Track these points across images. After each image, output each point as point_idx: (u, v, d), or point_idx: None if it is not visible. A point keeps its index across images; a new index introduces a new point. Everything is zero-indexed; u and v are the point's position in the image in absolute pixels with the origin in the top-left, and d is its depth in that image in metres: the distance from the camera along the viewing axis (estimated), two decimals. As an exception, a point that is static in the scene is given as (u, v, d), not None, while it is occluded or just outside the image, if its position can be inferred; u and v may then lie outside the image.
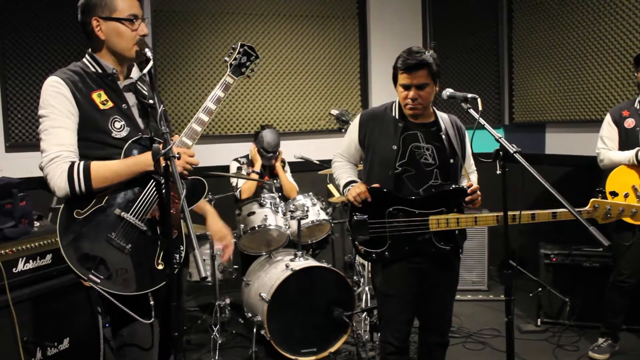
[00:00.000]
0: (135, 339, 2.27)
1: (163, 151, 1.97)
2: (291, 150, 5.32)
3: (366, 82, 6.15)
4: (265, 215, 4.37)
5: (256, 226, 4.35)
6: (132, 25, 2.26)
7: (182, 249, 2.30)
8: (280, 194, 4.77)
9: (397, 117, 2.96)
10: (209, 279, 4.47)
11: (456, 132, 3.00)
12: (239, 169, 4.96)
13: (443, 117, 3.01)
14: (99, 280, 2.13)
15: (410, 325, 3.05)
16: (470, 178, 3.08)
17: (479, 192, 2.82)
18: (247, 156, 5.14)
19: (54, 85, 2.17)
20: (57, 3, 4.99)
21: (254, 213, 4.40)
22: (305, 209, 4.36)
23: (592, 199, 2.78)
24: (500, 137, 2.40)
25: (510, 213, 2.66)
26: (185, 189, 2.08)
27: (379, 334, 4.08)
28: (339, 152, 3.20)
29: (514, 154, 2.32)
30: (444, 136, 2.94)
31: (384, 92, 5.93)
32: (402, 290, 2.94)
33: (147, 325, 2.25)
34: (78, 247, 2.13)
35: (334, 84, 6.08)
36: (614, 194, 3.70)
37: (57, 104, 2.15)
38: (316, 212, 4.50)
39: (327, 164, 5.11)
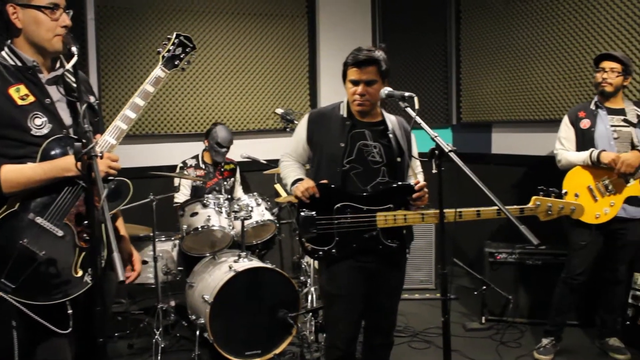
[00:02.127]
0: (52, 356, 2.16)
1: (84, 150, 1.87)
2: (238, 149, 5.25)
3: (315, 82, 6.11)
4: (209, 216, 4.28)
5: (199, 227, 4.26)
6: (52, 14, 2.13)
7: (103, 255, 2.18)
8: (229, 196, 4.70)
9: (345, 115, 2.96)
10: (154, 280, 4.38)
11: (403, 132, 3.02)
12: (182, 168, 4.88)
13: (390, 118, 3.04)
14: (9, 289, 2.00)
15: (358, 327, 3.03)
16: (418, 178, 3.08)
17: (426, 190, 2.84)
18: (196, 156, 5.06)
19: None
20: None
21: (197, 214, 4.31)
22: (250, 209, 4.30)
23: (533, 197, 2.82)
24: (436, 136, 2.39)
25: (451, 211, 2.69)
26: (107, 190, 1.98)
27: (324, 335, 4.07)
28: (287, 152, 3.17)
29: (449, 153, 2.31)
30: (391, 135, 2.96)
31: (333, 92, 5.92)
32: (349, 289, 2.91)
33: (64, 340, 2.14)
34: None
35: (282, 83, 6.03)
36: (559, 192, 3.75)
37: None
38: (260, 213, 4.44)
39: (274, 163, 5.06)
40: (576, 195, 3.80)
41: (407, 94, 2.61)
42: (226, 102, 5.81)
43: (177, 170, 4.98)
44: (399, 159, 2.95)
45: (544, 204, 2.81)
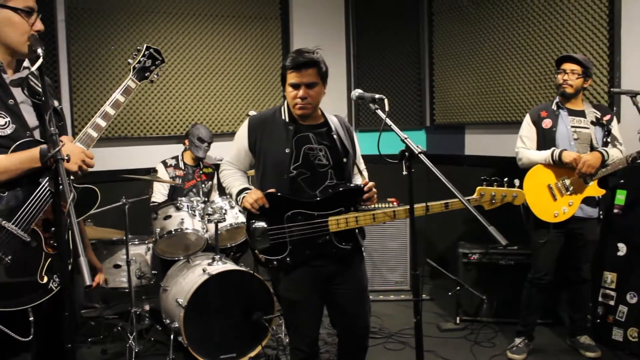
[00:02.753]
0: None
1: (51, 153, 1.85)
2: (213, 152, 5.22)
3: (289, 84, 6.09)
4: (182, 219, 4.26)
5: (173, 230, 4.23)
6: (28, 18, 2.12)
7: (69, 261, 2.15)
8: (206, 199, 4.68)
9: (287, 120, 2.92)
10: (127, 285, 4.34)
11: (345, 131, 3.01)
12: (155, 171, 4.85)
13: (332, 118, 3.02)
14: None
15: (318, 328, 3.01)
16: (363, 175, 3.07)
17: (374, 190, 2.84)
18: (176, 157, 5.05)
19: None
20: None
21: (170, 217, 4.28)
22: (223, 211, 4.27)
23: (478, 188, 2.86)
24: (405, 138, 2.41)
25: (404, 208, 2.71)
26: (73, 194, 1.96)
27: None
28: (227, 160, 3.12)
29: (419, 155, 2.32)
30: (335, 136, 2.94)
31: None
32: (306, 295, 2.89)
33: (26, 351, 2.12)
34: None
35: (256, 86, 6.01)
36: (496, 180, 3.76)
37: None
38: (234, 215, 4.42)
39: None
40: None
41: (377, 96, 2.61)
42: (200, 105, 5.78)
43: (156, 168, 4.97)
44: (344, 160, 2.93)
45: (487, 194, 2.84)
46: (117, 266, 4.49)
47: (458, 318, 4.72)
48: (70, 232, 1.81)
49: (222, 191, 5.29)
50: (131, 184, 4.76)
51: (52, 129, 1.92)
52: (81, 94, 5.29)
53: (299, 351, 2.95)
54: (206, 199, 4.71)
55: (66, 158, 1.87)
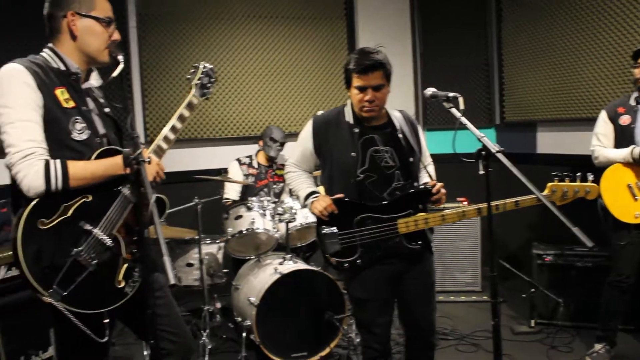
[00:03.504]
0: None
1: (134, 155, 1.90)
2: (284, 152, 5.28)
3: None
4: (253, 219, 4.31)
5: (244, 230, 4.29)
6: (107, 27, 2.20)
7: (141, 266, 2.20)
8: (276, 199, 4.74)
9: (351, 122, 2.89)
10: (199, 283, 4.44)
11: (410, 128, 2.96)
12: (225, 171, 4.93)
13: (396, 116, 2.97)
14: (59, 297, 1.99)
15: (390, 327, 3.00)
16: (429, 171, 3.02)
17: (443, 190, 2.81)
18: (250, 156, 5.14)
19: (18, 73, 2.02)
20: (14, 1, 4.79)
21: (241, 217, 4.34)
22: (294, 211, 4.30)
23: (549, 184, 2.80)
24: (482, 137, 2.35)
25: (475, 207, 2.75)
26: (156, 195, 2.01)
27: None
28: (292, 162, 3.11)
29: (496, 154, 2.27)
30: (400, 136, 2.91)
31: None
32: (377, 293, 2.90)
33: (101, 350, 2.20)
34: (39, 259, 1.97)
35: (322, 86, 6.03)
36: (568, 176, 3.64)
37: (22, 94, 2.00)
38: (304, 215, 4.45)
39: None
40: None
41: (451, 94, 2.57)
42: (268, 106, 5.85)
43: (236, 169, 5.09)
44: (411, 159, 2.90)
45: (559, 190, 2.80)
46: (189, 265, 4.60)
47: (532, 321, 4.57)
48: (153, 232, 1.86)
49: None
50: (203, 185, 4.85)
51: (133, 132, 1.97)
52: (152, 98, 5.44)
53: (371, 349, 2.95)
54: (277, 200, 4.77)
55: (148, 160, 1.92)
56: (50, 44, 2.21)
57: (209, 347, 4.16)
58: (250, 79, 5.77)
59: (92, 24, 2.18)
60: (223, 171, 5.12)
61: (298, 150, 3.07)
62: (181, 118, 2.42)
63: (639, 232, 3.71)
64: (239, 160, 5.14)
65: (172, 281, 1.65)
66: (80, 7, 2.16)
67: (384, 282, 2.88)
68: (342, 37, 6.08)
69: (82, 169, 2.07)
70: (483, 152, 2.31)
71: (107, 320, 2.15)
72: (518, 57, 5.80)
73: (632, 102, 3.81)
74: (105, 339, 2.14)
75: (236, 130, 5.75)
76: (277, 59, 5.84)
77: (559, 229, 4.63)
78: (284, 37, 5.86)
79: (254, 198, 4.48)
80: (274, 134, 5.07)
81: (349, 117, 2.90)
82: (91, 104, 2.26)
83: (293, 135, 5.86)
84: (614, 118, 3.84)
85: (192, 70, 2.58)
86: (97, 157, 2.13)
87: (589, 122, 4.09)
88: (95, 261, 2.08)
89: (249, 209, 4.36)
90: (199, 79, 2.56)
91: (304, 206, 3.00)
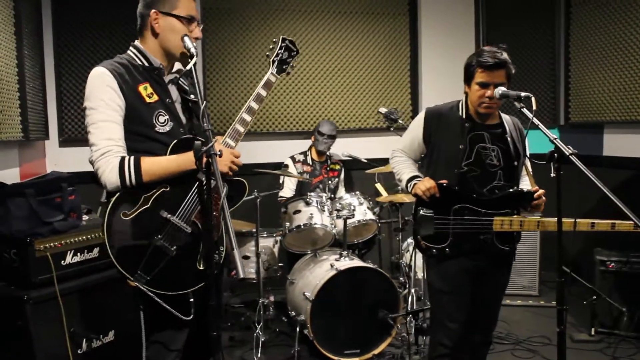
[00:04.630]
0: (170, 343, 2.32)
1: (205, 148, 1.94)
2: (340, 148, 5.28)
3: (416, 81, 6.02)
4: (311, 214, 4.33)
5: (302, 224, 4.31)
6: (188, 25, 2.29)
7: (222, 249, 2.32)
8: (332, 195, 4.74)
9: (464, 116, 2.95)
10: (253, 276, 4.48)
11: (518, 134, 3.00)
12: (285, 166, 4.95)
13: (506, 119, 3.03)
14: (144, 281, 2.16)
15: (464, 327, 2.99)
16: (532, 181, 3.01)
17: (544, 198, 2.81)
18: (304, 153, 5.15)
19: (102, 76, 2.18)
20: (110, 3, 5.04)
21: (299, 211, 4.37)
22: (352, 208, 4.30)
23: None
24: (555, 138, 2.30)
25: (569, 220, 2.66)
26: (227, 188, 2.05)
27: (424, 338, 4.03)
28: (400, 148, 3.21)
29: (570, 156, 2.20)
30: (509, 138, 2.95)
31: (434, 91, 5.82)
32: (458, 287, 2.95)
33: (183, 330, 2.31)
34: (125, 248, 2.15)
35: (383, 82, 5.98)
36: None
37: (105, 96, 2.16)
38: (363, 212, 4.44)
39: (375, 162, 5.07)
40: None
41: (523, 94, 2.55)
42: (328, 101, 5.84)
43: (286, 163, 5.11)
44: (515, 163, 2.94)
45: None
46: (245, 257, 4.65)
47: (593, 329, 4.43)
48: (223, 224, 1.90)
49: (349, 188, 5.36)
50: (260, 178, 4.90)
51: (205, 124, 2.02)
52: (215, 92, 5.52)
53: (441, 346, 2.98)
54: (332, 195, 4.76)
55: (219, 153, 1.96)
56: (136, 42, 2.35)
57: (262, 339, 4.20)
58: (312, 74, 5.78)
59: (174, 22, 2.28)
60: (283, 165, 5.15)
61: (407, 137, 3.17)
62: (258, 98, 2.45)
63: None
64: (292, 157, 5.16)
65: (242, 275, 1.70)
66: (163, 6, 2.27)
67: (465, 277, 2.94)
68: (405, 33, 6.01)
69: (155, 166, 2.18)
70: (555, 155, 2.25)
71: (192, 300, 2.27)
72: (586, 55, 5.62)
73: None
74: (191, 317, 2.26)
75: (296, 124, 5.77)
76: (339, 54, 5.83)
77: (623, 234, 4.49)
78: (347, 32, 5.83)
79: (312, 193, 4.49)
80: (323, 127, 5.07)
81: (462, 112, 2.98)
82: (174, 95, 2.37)
83: (352, 132, 5.88)
84: None
85: (272, 46, 2.60)
86: (173, 149, 2.23)
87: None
88: (175, 247, 2.21)
89: (308, 203, 4.38)
90: (277, 55, 2.58)
91: (405, 188, 3.07)
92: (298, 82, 5.75)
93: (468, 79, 2.90)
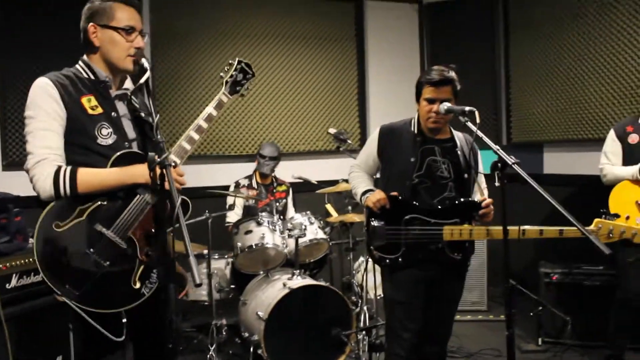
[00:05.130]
0: None
1: (159, 159, 1.95)
2: (289, 170, 5.32)
3: (364, 102, 6.17)
4: (263, 234, 4.34)
5: (253, 245, 4.31)
6: (128, 36, 2.26)
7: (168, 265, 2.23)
8: (281, 216, 4.75)
9: (416, 131, 3.07)
10: (205, 298, 4.44)
11: (470, 149, 3.11)
12: (235, 188, 4.94)
13: (458, 135, 3.15)
14: (73, 296, 2.08)
15: (417, 336, 3.05)
16: (483, 193, 3.14)
17: (492, 207, 2.92)
18: (249, 177, 5.15)
19: (43, 86, 2.16)
20: (54, 23, 4.98)
21: (251, 232, 4.37)
22: (303, 227, 4.33)
23: (596, 219, 2.84)
24: (498, 149, 2.40)
25: (515, 228, 2.79)
26: (181, 198, 2.04)
27: (377, 354, 4.05)
28: (356, 163, 3.32)
29: (513, 165, 2.31)
30: (459, 152, 3.06)
31: (382, 113, 5.97)
32: (411, 297, 3.01)
33: (118, 351, 2.23)
34: (54, 260, 2.09)
35: (332, 105, 6.10)
36: (616, 215, 3.68)
37: (45, 105, 2.13)
38: (314, 231, 4.48)
39: (325, 184, 5.12)
40: (627, 218, 3.71)
41: (467, 108, 2.69)
42: (277, 124, 5.90)
43: (231, 190, 5.06)
44: (465, 176, 3.05)
45: (605, 227, 2.83)
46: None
47: (540, 339, 4.57)
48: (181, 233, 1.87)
49: (298, 208, 5.38)
50: (209, 202, 4.85)
51: (159, 137, 2.02)
52: (165, 115, 5.50)
53: (396, 356, 3.04)
54: (282, 217, 4.77)
55: (173, 164, 1.96)
56: (83, 56, 2.33)
57: (216, 361, 4.15)
58: (261, 97, 5.83)
59: (111, 34, 2.25)
60: (235, 184, 5.13)
61: (363, 154, 3.29)
62: (208, 118, 2.42)
63: (648, 250, 3.73)
64: (237, 183, 5.12)
65: (198, 281, 1.70)
66: (101, 19, 2.25)
67: (418, 287, 3.01)
68: (352, 57, 6.16)
69: (92, 177, 2.14)
70: (499, 164, 2.35)
71: (125, 320, 2.19)
72: (525, 77, 5.88)
73: (640, 121, 3.87)
74: (122, 338, 2.18)
75: (245, 147, 5.79)
76: (288, 78, 5.92)
77: (566, 248, 4.67)
78: (295, 56, 5.94)
79: (263, 213, 4.50)
80: (264, 150, 5.07)
81: (414, 127, 3.10)
82: (123, 110, 2.34)
83: (302, 154, 5.94)
84: (622, 137, 3.89)
85: (227, 67, 2.57)
86: (114, 162, 2.19)
87: (596, 143, 4.15)
88: (108, 262, 2.14)
89: (259, 224, 4.39)
90: (231, 76, 2.55)
91: (360, 201, 3.15)
92: (247, 106, 5.79)
93: (417, 95, 3.04)
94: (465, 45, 6.24)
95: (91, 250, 2.12)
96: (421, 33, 6.29)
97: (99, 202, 2.16)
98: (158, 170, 1.98)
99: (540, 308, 4.55)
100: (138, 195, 2.21)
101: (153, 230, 2.20)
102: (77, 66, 2.32)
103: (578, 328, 4.45)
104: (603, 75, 5.02)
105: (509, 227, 2.64)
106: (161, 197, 2.07)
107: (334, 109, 6.10)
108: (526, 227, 2.84)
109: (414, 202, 2.98)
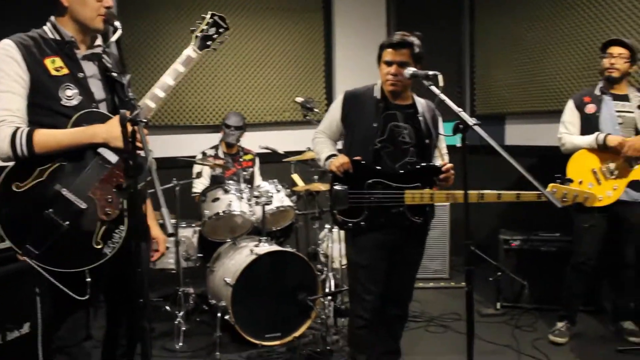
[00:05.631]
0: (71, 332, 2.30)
1: (130, 116, 1.96)
2: (256, 140, 5.34)
3: (330, 74, 6.21)
4: (230, 201, 4.37)
5: (220, 212, 4.34)
6: None
7: (122, 228, 2.27)
8: (248, 185, 4.78)
9: (378, 97, 3.11)
10: (172, 267, 4.46)
11: (431, 116, 3.17)
12: (202, 159, 4.94)
13: (420, 102, 3.19)
14: (33, 255, 2.11)
15: (378, 299, 3.14)
16: (444, 158, 3.23)
17: (452, 171, 2.99)
18: (215, 147, 5.15)
19: (5, 48, 2.16)
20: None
21: (218, 199, 4.40)
22: (270, 195, 4.38)
23: (551, 184, 2.92)
24: (460, 111, 2.48)
25: (475, 192, 2.88)
26: (152, 154, 2.05)
27: (343, 319, 4.15)
28: (320, 129, 3.32)
29: (474, 126, 2.39)
30: (420, 118, 3.11)
31: (348, 83, 5.93)
32: (373, 260, 3.08)
33: (83, 310, 2.28)
34: (14, 219, 2.12)
35: (299, 77, 6.12)
36: (569, 180, 3.81)
37: (6, 67, 2.14)
38: (280, 199, 4.53)
39: (291, 154, 5.16)
40: (580, 182, 3.86)
41: (431, 72, 2.74)
42: (244, 95, 5.91)
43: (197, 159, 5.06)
44: (427, 141, 3.11)
45: (560, 192, 2.92)
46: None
47: (498, 304, 4.74)
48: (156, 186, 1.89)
49: (265, 178, 5.41)
50: (175, 172, 4.84)
51: (130, 94, 2.04)
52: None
53: (359, 318, 3.12)
54: (250, 186, 4.81)
55: (145, 121, 1.98)
56: (51, 17, 2.31)
57: (184, 328, 4.19)
58: (228, 68, 5.82)
59: None
60: (201, 154, 5.13)
61: (327, 120, 3.30)
62: (175, 74, 2.38)
63: (602, 215, 3.90)
64: (204, 153, 5.10)
65: (170, 230, 1.73)
66: None
67: (380, 251, 3.08)
68: (319, 29, 6.19)
69: (49, 138, 2.15)
70: (461, 126, 2.43)
71: (89, 279, 2.22)
72: (489, 52, 6.00)
73: (597, 92, 4.00)
74: (86, 297, 2.21)
75: (212, 118, 5.79)
76: (255, 49, 5.91)
77: (525, 216, 4.82)
78: (262, 28, 5.93)
79: (231, 181, 4.53)
80: (229, 119, 5.08)
81: (377, 93, 3.13)
82: (91, 70, 2.33)
83: (269, 125, 5.96)
84: (580, 107, 4.03)
85: (198, 21, 2.50)
86: (75, 122, 2.20)
87: (556, 115, 4.27)
88: (68, 222, 2.16)
89: (226, 191, 4.42)
90: (202, 30, 2.48)
91: (323, 165, 3.18)
92: (214, 76, 5.77)
93: (378, 59, 3.10)
94: (432, 20, 6.30)
95: (50, 210, 2.14)
96: (388, 5, 6.34)
97: (59, 163, 2.18)
98: (130, 128, 1.99)
99: (499, 274, 4.71)
100: (98, 155, 2.22)
101: (123, 186, 2.23)
102: (44, 27, 2.30)
103: (535, 292, 4.64)
104: (563, 50, 5.16)
105: (469, 192, 2.76)
106: (127, 155, 2.06)
107: (300, 80, 6.13)
108: (486, 191, 2.94)
109: (377, 167, 3.03)
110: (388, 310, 3.25)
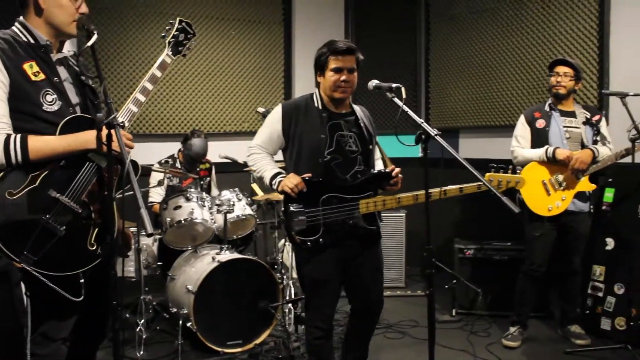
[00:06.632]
0: (54, 332, 2.29)
1: (107, 119, 2.00)
2: (216, 150, 5.37)
3: (290, 85, 6.31)
4: (192, 209, 4.39)
5: (182, 220, 4.36)
6: (75, 1, 2.27)
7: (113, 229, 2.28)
8: (207, 194, 4.79)
9: (320, 107, 3.09)
10: (132, 274, 4.45)
11: (369, 121, 3.21)
12: (160, 163, 4.90)
13: (356, 108, 3.21)
14: (31, 262, 2.10)
15: (335, 306, 3.19)
16: (377, 164, 3.27)
17: (400, 175, 3.04)
18: (172, 156, 5.14)
19: None
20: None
21: (180, 207, 4.41)
22: (232, 203, 4.41)
23: (487, 174, 3.06)
24: (422, 122, 2.60)
25: (422, 192, 2.83)
26: (130, 158, 2.09)
27: (302, 326, 4.20)
28: (257, 144, 3.19)
29: (435, 137, 2.51)
30: (361, 124, 3.14)
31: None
32: (331, 275, 3.06)
33: (72, 312, 2.29)
34: (10, 228, 2.08)
35: (258, 87, 6.19)
36: (502, 167, 3.93)
37: None
38: (242, 207, 4.57)
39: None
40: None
41: (394, 85, 2.80)
42: (204, 105, 5.94)
43: (156, 174, 5.03)
44: (370, 147, 3.15)
45: (495, 180, 3.08)
46: (125, 256, 4.58)
47: (454, 311, 4.90)
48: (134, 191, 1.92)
49: (224, 188, 5.43)
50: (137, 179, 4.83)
51: (107, 98, 2.07)
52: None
53: (316, 329, 3.09)
54: (207, 195, 4.82)
55: (122, 124, 2.02)
56: (20, 18, 2.28)
57: (144, 336, 4.16)
58: (187, 77, 5.84)
59: None
60: (157, 164, 5.12)
61: (265, 133, 3.17)
62: (153, 79, 2.44)
63: (552, 225, 4.11)
64: (160, 163, 5.04)
65: (150, 230, 1.78)
66: None
67: (339, 264, 3.06)
68: (280, 41, 6.28)
69: (43, 144, 2.14)
70: (423, 136, 2.55)
71: (82, 280, 2.24)
72: (444, 67, 6.21)
73: (547, 108, 4.23)
74: (81, 298, 2.23)
75: (171, 127, 5.80)
76: (216, 59, 5.96)
77: (478, 226, 5.00)
78: (224, 38, 5.98)
79: (192, 189, 4.56)
80: (193, 153, 4.98)
81: (317, 103, 3.10)
82: (64, 74, 2.33)
83: (228, 135, 6.00)
84: (531, 121, 4.23)
85: (167, 27, 2.57)
86: (62, 128, 2.20)
87: (507, 129, 4.49)
88: (64, 227, 2.16)
89: (188, 199, 4.44)
90: (173, 36, 2.56)
91: (270, 185, 3.07)
92: (174, 86, 5.79)
93: (321, 68, 3.06)
94: (388, 34, 6.49)
95: (47, 216, 2.13)
96: (346, 22, 6.50)
97: (51, 169, 2.17)
98: (105, 131, 2.02)
99: (455, 282, 4.87)
100: (89, 160, 2.24)
101: (102, 192, 2.26)
102: (13, 28, 2.27)
103: (488, 299, 4.82)
104: (515, 67, 5.41)
105: (418, 193, 2.94)
106: (110, 159, 2.10)
107: (260, 90, 6.20)
108: (433, 190, 2.89)
109: (329, 180, 3.00)
110: (360, 319, 3.26)
